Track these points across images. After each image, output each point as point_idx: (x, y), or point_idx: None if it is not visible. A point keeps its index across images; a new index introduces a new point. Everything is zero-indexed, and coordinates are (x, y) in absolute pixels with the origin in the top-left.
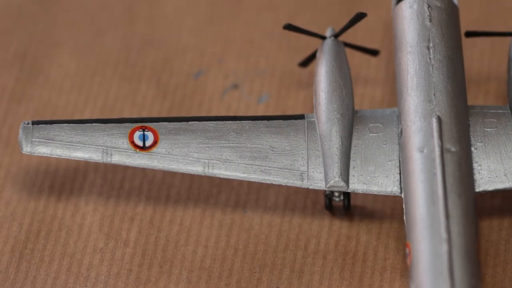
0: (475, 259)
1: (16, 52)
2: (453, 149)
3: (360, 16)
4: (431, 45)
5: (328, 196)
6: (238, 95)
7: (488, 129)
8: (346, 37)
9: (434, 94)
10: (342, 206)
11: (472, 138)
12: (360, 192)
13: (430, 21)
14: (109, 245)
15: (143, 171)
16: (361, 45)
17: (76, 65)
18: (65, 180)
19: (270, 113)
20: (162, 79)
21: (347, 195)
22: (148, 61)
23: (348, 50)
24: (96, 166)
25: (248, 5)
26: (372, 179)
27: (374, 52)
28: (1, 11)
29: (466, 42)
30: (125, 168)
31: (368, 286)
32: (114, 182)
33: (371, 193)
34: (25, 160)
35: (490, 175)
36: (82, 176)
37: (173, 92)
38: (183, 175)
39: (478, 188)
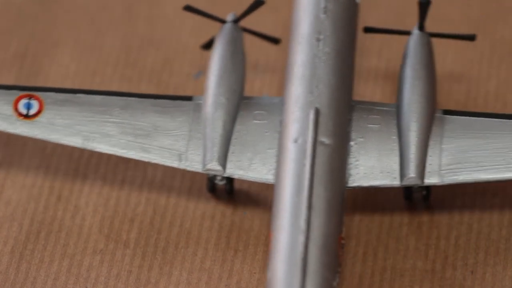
0: (333, 252)
1: (16, 52)
2: (327, 142)
3: (258, 3)
4: (321, 37)
5: (211, 179)
6: None
7: (371, 125)
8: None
9: (317, 86)
10: (225, 189)
11: (353, 133)
12: (237, 177)
13: (325, 13)
14: (109, 246)
15: (144, 172)
16: (261, 32)
17: (76, 65)
18: (65, 181)
19: None
20: (162, 79)
21: (230, 179)
22: (148, 61)
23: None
24: (97, 167)
25: (248, 5)
26: (249, 166)
27: (275, 40)
28: (1, 11)
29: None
30: (126, 169)
31: (368, 286)
32: (114, 183)
33: (247, 179)
34: (25, 160)
35: (366, 171)
36: (82, 177)
37: (173, 92)
38: (184, 176)
39: (353, 183)
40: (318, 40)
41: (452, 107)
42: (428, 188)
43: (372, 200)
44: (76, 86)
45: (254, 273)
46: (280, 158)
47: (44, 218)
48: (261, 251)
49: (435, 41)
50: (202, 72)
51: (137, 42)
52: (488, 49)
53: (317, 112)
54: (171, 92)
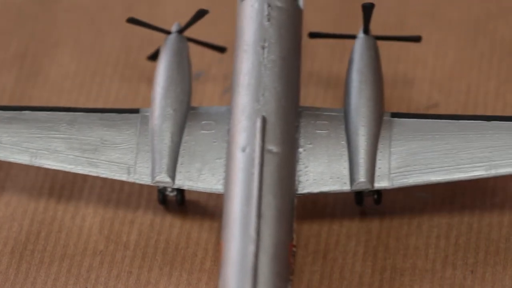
0: (284, 260)
1: (16, 52)
2: (275, 150)
3: (202, 13)
4: (266, 44)
5: (161, 190)
6: None
7: (319, 131)
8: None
9: (263, 94)
10: (175, 201)
11: (302, 140)
12: (186, 188)
13: (269, 20)
14: (109, 247)
15: None
16: (207, 42)
17: (76, 65)
18: (65, 182)
19: None
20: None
21: (180, 190)
22: (148, 61)
23: None
24: None
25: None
26: (198, 176)
27: (221, 49)
28: (1, 11)
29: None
30: None
31: (368, 286)
32: (114, 184)
33: (197, 190)
34: None
35: (316, 177)
36: (82, 178)
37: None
38: None
39: (303, 190)
40: (263, 47)
41: (452, 107)
42: (379, 191)
43: (373, 200)
44: (76, 86)
45: None
46: (229, 168)
47: (44, 219)
48: None
49: (437, 41)
50: (202, 72)
51: (137, 42)
52: (488, 49)
53: (264, 121)
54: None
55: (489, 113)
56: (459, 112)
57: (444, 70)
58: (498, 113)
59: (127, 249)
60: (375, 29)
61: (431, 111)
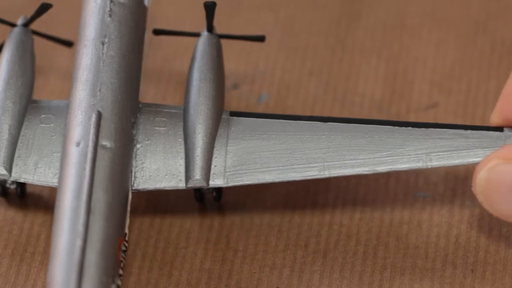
0: (112, 256)
1: None
2: (109, 145)
3: (45, 7)
4: (106, 40)
5: (1, 183)
6: (238, 95)
7: (158, 127)
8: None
9: (100, 90)
10: (16, 193)
11: (140, 136)
12: (23, 181)
13: (110, 16)
14: None
15: None
16: (53, 35)
17: None
18: None
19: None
20: (162, 78)
21: (20, 183)
22: (148, 61)
23: None
24: None
25: (248, 5)
26: (35, 170)
27: (67, 43)
28: (1, 12)
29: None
30: None
31: (368, 285)
32: None
33: (33, 183)
34: None
35: (151, 173)
36: None
37: (173, 92)
38: None
39: (138, 186)
40: (103, 43)
41: (452, 106)
42: (219, 189)
43: (373, 197)
44: None
45: (254, 273)
46: (63, 162)
47: (45, 221)
48: (261, 250)
49: (437, 40)
50: None
51: None
52: (488, 48)
53: (99, 116)
54: (171, 92)
55: (489, 113)
56: (459, 112)
57: (444, 70)
58: None
59: (127, 249)
60: (374, 29)
61: (431, 111)
